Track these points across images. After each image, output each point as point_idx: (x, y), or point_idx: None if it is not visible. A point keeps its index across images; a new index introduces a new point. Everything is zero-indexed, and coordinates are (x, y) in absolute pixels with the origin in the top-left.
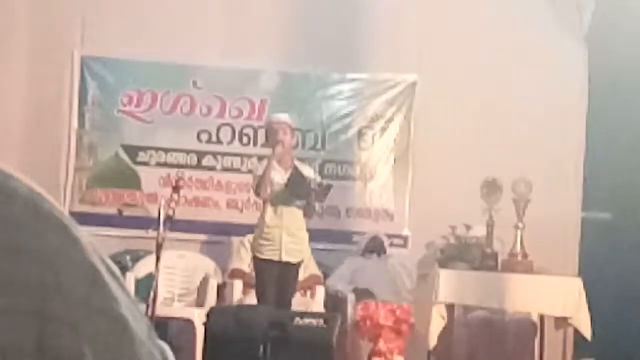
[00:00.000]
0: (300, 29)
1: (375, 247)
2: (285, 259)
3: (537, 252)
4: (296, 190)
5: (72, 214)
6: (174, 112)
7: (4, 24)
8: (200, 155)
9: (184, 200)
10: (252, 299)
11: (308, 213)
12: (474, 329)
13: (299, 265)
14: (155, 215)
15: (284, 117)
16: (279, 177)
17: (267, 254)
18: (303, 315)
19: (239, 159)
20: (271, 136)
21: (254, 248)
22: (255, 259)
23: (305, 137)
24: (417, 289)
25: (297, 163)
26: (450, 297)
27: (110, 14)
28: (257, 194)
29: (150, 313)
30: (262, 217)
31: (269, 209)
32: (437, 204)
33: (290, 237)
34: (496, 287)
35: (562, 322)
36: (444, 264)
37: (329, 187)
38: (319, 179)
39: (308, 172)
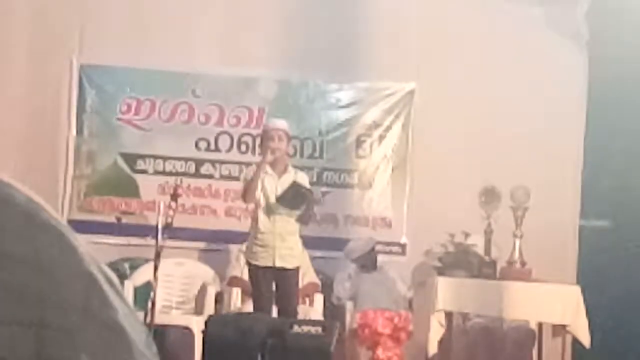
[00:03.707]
0: (299, 36)
1: (366, 263)
2: (278, 264)
3: (535, 259)
4: (291, 201)
5: (70, 221)
6: (172, 120)
7: (3, 32)
8: (199, 163)
9: (182, 208)
10: (250, 307)
11: (305, 220)
12: (473, 337)
13: (295, 271)
14: (154, 223)
15: (280, 123)
16: (272, 182)
17: (261, 260)
18: (301, 322)
19: (237, 166)
20: (265, 142)
21: (248, 255)
22: (249, 265)
23: (303, 144)
24: (416, 296)
25: (291, 169)
26: (448, 304)
27: (109, 22)
28: (244, 199)
29: (148, 321)
30: (255, 223)
31: (262, 215)
32: (435, 211)
33: (283, 242)
34: (494, 295)
35: (560, 329)
36: (442, 272)
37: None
38: (308, 187)
39: (302, 179)
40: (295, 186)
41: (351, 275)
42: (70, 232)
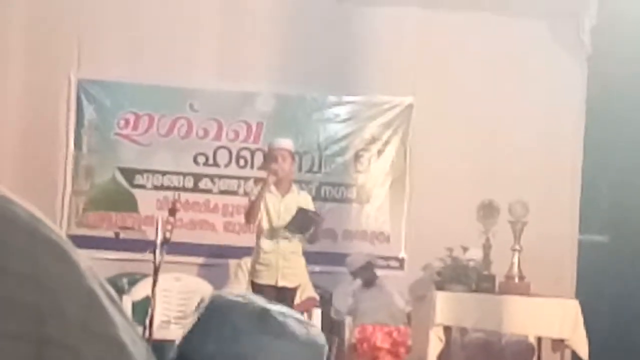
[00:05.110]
0: (297, 51)
1: (365, 277)
2: (281, 283)
3: (533, 274)
4: (301, 227)
5: (69, 237)
6: (170, 134)
7: (1, 47)
8: (197, 177)
9: (181, 223)
10: None
11: (312, 240)
12: (471, 351)
13: (295, 289)
14: (152, 237)
15: (285, 142)
16: (276, 201)
17: (264, 279)
18: None
19: (235, 181)
20: (268, 162)
21: (251, 273)
22: (252, 283)
23: (301, 159)
24: (414, 311)
25: (294, 189)
26: (447, 319)
27: (107, 37)
28: (247, 220)
29: (147, 336)
30: (258, 242)
31: (265, 235)
32: (433, 226)
33: (286, 261)
34: (493, 309)
35: (559, 343)
36: (440, 286)
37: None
38: (313, 209)
39: (305, 199)
40: (302, 211)
41: (355, 292)
42: (71, 247)
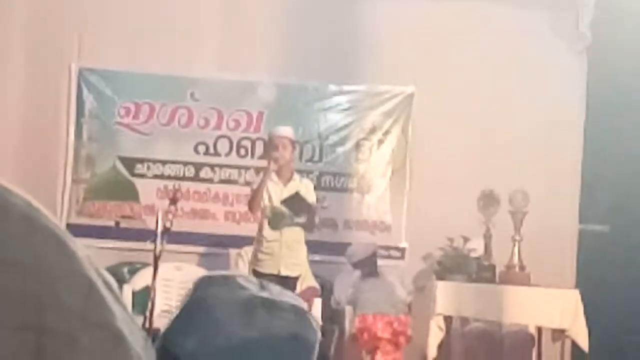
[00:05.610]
0: (298, 40)
1: (367, 269)
2: (283, 272)
3: (534, 263)
4: (295, 209)
5: (69, 226)
6: (171, 123)
7: (1, 37)
8: (198, 167)
9: (181, 212)
10: None
11: (308, 228)
12: (472, 341)
13: (297, 278)
14: (153, 227)
15: (285, 130)
16: (277, 189)
17: (265, 268)
18: None
19: (236, 170)
20: (269, 150)
21: (252, 262)
22: (254, 272)
23: (302, 148)
24: (415, 301)
25: (296, 177)
26: (447, 309)
27: (107, 26)
28: (250, 209)
29: (147, 325)
30: (261, 231)
31: (268, 224)
32: (434, 215)
33: (289, 251)
34: (493, 299)
35: (559, 333)
36: (441, 276)
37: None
38: (312, 199)
39: (307, 187)
40: (298, 197)
41: (355, 283)
42: (68, 236)
